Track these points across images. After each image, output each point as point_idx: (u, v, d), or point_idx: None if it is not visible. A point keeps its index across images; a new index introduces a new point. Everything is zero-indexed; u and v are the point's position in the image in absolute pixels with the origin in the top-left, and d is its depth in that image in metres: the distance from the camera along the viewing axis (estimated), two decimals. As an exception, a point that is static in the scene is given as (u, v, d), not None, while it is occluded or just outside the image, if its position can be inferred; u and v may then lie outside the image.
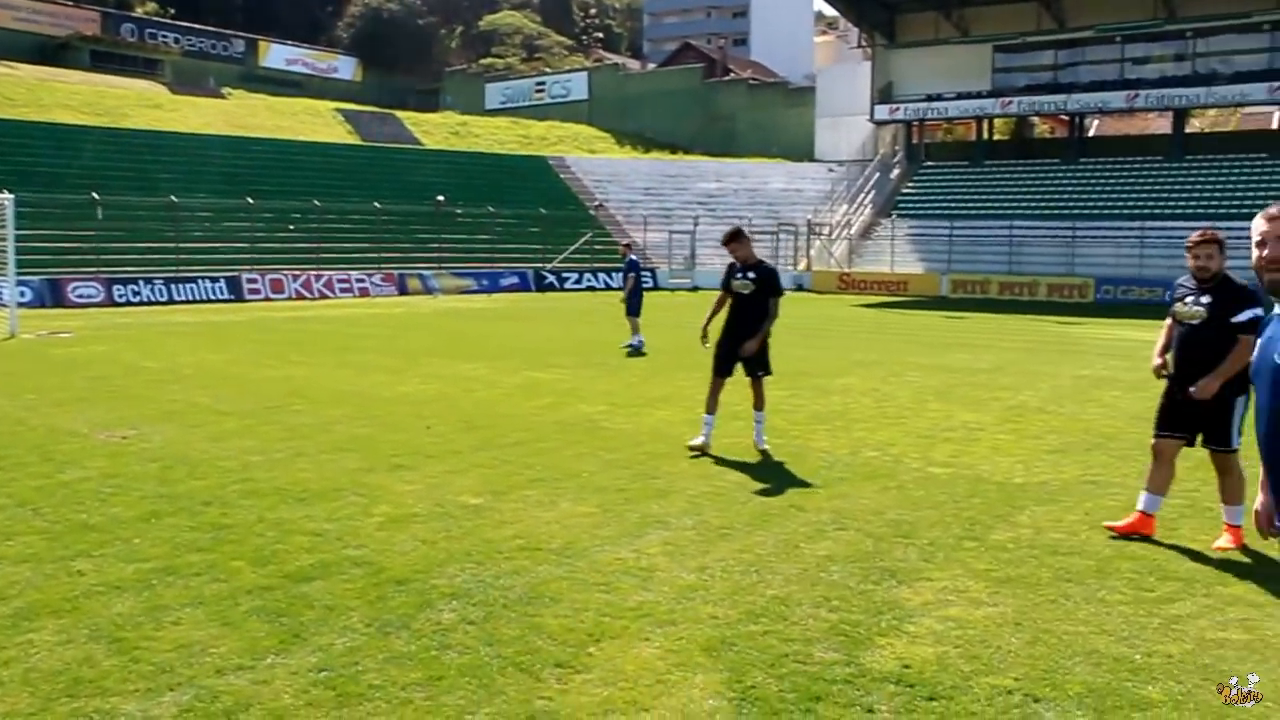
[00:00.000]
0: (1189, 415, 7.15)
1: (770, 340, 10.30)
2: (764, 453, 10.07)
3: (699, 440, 10.10)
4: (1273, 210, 3.33)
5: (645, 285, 24.01)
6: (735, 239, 10.22)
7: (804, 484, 8.75)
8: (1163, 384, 7.37)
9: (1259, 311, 6.65)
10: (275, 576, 6.10)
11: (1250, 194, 46.35)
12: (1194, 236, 7.16)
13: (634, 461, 9.53)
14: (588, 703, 4.53)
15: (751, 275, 10.14)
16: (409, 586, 5.96)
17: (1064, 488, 8.85)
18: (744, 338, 10.09)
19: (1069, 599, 5.94)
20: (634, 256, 21.68)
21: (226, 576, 6.09)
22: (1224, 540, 7.08)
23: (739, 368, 10.24)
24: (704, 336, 10.47)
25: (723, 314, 10.37)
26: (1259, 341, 3.39)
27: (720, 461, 9.65)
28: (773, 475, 9.09)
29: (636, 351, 19.37)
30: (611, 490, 8.38)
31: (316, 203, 43.70)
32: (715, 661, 4.97)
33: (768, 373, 10.32)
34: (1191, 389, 6.93)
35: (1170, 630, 5.48)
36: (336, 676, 4.74)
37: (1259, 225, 3.33)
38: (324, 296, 38.90)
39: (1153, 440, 7.42)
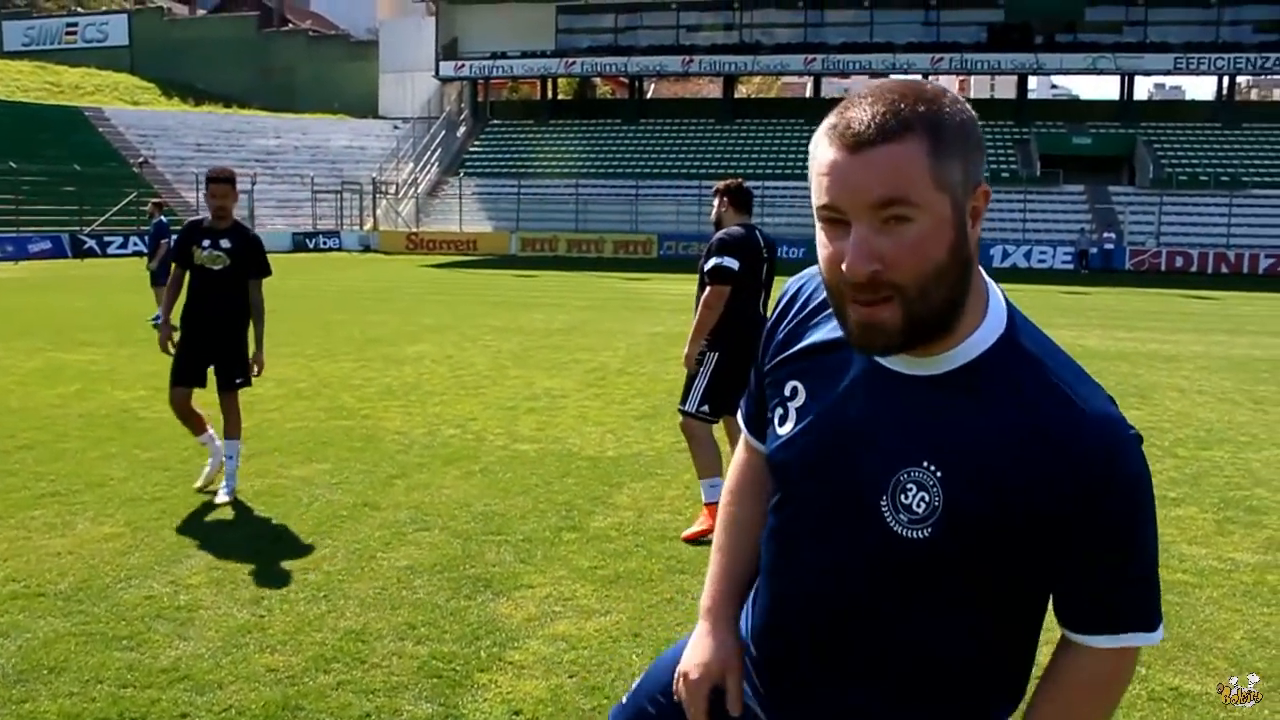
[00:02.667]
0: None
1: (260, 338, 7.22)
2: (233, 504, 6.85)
3: (202, 478, 7.21)
4: (832, 135, 1.44)
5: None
6: (228, 181, 6.96)
7: (377, 475, 7.63)
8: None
9: (727, 261, 6.12)
10: None
11: (792, 156, 49.74)
12: None
13: (175, 460, 7.93)
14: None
15: (225, 245, 6.94)
16: None
17: (659, 458, 8.30)
18: (219, 333, 7.03)
19: (686, 595, 5.27)
20: (163, 218, 18.85)
21: None
22: (699, 524, 6.20)
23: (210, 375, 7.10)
24: (167, 332, 7.11)
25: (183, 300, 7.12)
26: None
27: (279, 450, 8.32)
28: (341, 466, 7.88)
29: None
30: (145, 501, 6.81)
31: None
32: (271, 737, 3.82)
33: (246, 382, 7.17)
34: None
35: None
36: None
37: (826, 172, 1.42)
38: None
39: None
